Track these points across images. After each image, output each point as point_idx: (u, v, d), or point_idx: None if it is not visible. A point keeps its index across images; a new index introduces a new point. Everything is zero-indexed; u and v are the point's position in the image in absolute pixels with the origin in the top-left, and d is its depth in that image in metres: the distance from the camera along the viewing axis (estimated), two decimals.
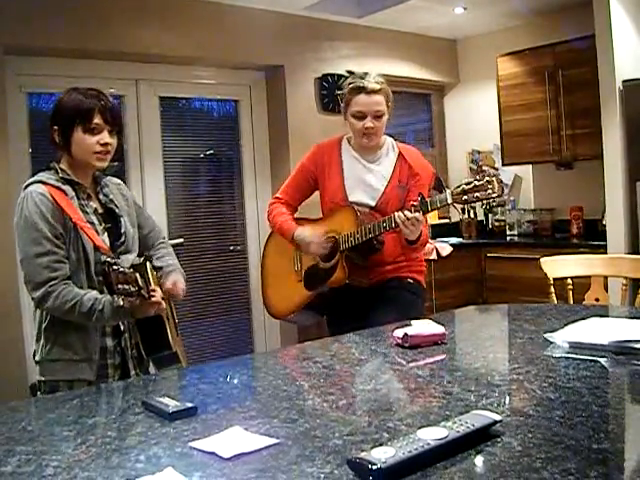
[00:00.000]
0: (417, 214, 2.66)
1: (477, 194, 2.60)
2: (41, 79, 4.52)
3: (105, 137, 2.26)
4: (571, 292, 3.21)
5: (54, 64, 4.54)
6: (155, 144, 5.09)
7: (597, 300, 3.23)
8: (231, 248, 5.58)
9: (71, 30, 4.37)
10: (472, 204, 2.68)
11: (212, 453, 1.28)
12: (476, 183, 2.59)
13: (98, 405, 1.74)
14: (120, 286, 2.00)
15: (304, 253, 3.08)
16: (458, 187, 2.64)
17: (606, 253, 4.56)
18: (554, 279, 3.20)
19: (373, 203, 2.97)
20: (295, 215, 3.20)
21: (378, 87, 2.92)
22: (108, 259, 2.05)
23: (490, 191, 2.57)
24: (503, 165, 6.09)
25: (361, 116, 2.92)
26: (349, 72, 3.02)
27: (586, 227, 5.63)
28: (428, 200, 2.68)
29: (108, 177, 2.48)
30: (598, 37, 4.69)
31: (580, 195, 5.67)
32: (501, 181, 2.60)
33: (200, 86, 5.38)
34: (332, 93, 5.78)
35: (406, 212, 2.68)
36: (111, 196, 2.41)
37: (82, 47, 4.47)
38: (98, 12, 4.49)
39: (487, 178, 2.58)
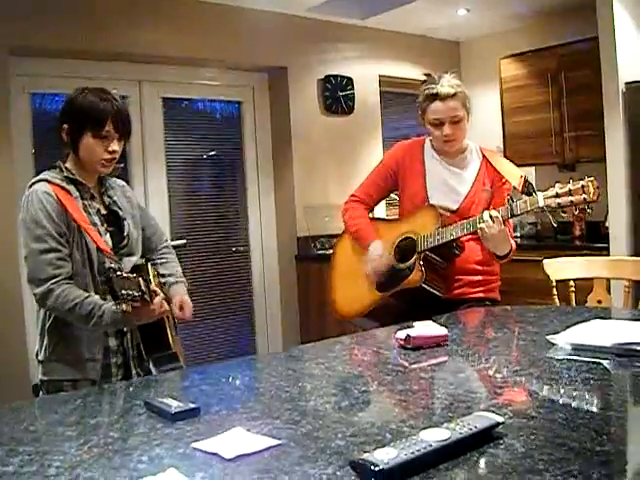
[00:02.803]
0: (500, 214, 2.55)
1: (572, 198, 2.43)
2: (44, 80, 4.53)
3: (114, 145, 2.27)
4: (573, 294, 3.21)
5: (57, 65, 4.55)
6: (158, 145, 5.10)
7: (599, 302, 3.22)
8: (234, 249, 5.59)
9: (74, 31, 4.38)
10: (565, 210, 2.48)
11: (214, 454, 1.28)
12: (571, 187, 2.44)
13: (101, 405, 1.74)
14: (124, 291, 2.00)
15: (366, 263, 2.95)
16: (551, 190, 2.49)
17: (608, 255, 4.56)
18: (556, 281, 3.20)
19: (455, 207, 2.86)
20: (371, 215, 3.11)
21: (453, 91, 2.79)
22: (112, 265, 2.06)
23: (586, 196, 2.41)
24: None
25: (438, 123, 2.83)
26: (426, 75, 2.91)
27: (589, 229, 5.62)
28: (518, 202, 2.56)
29: (113, 179, 2.48)
30: (601, 39, 4.69)
31: None
32: (598, 186, 2.42)
33: (203, 87, 5.39)
34: (335, 94, 5.80)
35: (492, 212, 2.57)
36: (115, 198, 2.42)
37: (85, 48, 4.48)
38: (101, 13, 4.51)
39: (582, 182, 2.42)
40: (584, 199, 2.42)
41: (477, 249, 2.84)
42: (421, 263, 2.77)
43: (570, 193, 2.44)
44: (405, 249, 2.87)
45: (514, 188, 2.79)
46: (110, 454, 1.31)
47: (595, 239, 5.32)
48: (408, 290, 2.81)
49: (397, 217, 3.07)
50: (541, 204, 2.49)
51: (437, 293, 2.80)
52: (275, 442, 1.32)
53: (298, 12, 5.46)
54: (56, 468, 1.25)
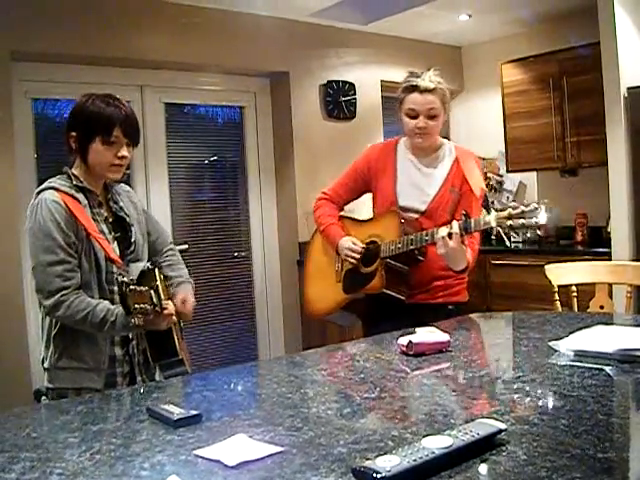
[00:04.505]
0: (456, 228, 2.56)
1: (523, 221, 2.48)
2: (46, 85, 4.54)
3: (123, 150, 2.25)
4: (575, 299, 3.21)
5: (60, 70, 4.56)
6: (160, 150, 5.11)
7: (602, 308, 3.22)
8: (235, 254, 5.59)
9: (77, 36, 4.39)
10: (516, 231, 2.55)
11: (217, 461, 1.28)
12: (523, 209, 2.48)
13: (103, 412, 1.74)
14: (137, 306, 2.00)
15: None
16: (504, 211, 2.53)
17: (611, 260, 4.55)
18: (559, 286, 3.20)
19: (423, 208, 2.88)
20: (341, 214, 3.16)
21: (432, 86, 2.81)
22: (125, 279, 2.06)
23: (536, 219, 2.46)
24: (507, 172, 6.10)
25: (414, 115, 2.85)
26: (410, 72, 2.95)
27: (591, 234, 5.62)
28: (472, 220, 2.59)
29: (119, 184, 2.47)
30: (603, 44, 4.69)
31: (585, 202, 5.66)
32: (550, 210, 2.48)
33: (205, 92, 5.40)
34: (337, 100, 5.80)
35: (449, 228, 2.59)
36: (121, 204, 2.41)
37: (87, 53, 4.49)
38: (103, 19, 4.52)
39: (534, 205, 2.48)
40: (535, 222, 2.47)
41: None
42: (383, 271, 2.83)
43: (522, 216, 2.49)
44: (371, 253, 2.92)
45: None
46: (112, 461, 1.31)
47: (597, 244, 5.31)
48: (371, 294, 2.89)
49: (367, 218, 3.10)
50: (493, 225, 2.52)
51: (400, 297, 2.84)
52: (277, 449, 1.32)
53: (300, 17, 5.46)
54: (58, 475, 1.25)
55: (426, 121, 2.84)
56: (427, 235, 2.70)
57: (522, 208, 2.49)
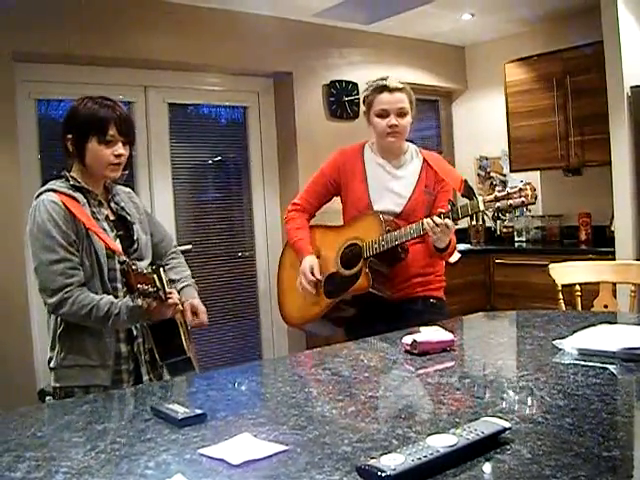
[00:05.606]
0: (447, 220, 2.61)
1: (510, 201, 2.54)
2: (50, 86, 4.54)
3: (119, 148, 2.27)
4: (579, 298, 3.20)
5: (63, 71, 4.56)
6: (163, 150, 5.10)
7: (606, 307, 3.22)
8: (239, 254, 5.59)
9: (80, 37, 4.39)
10: (504, 212, 2.61)
11: (221, 460, 1.28)
12: (509, 190, 2.54)
13: (108, 411, 1.74)
14: (140, 286, 2.01)
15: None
16: (490, 194, 2.59)
17: (614, 259, 4.55)
18: (562, 285, 3.20)
19: (399, 210, 2.90)
20: (312, 222, 3.17)
21: (401, 86, 2.89)
22: (127, 260, 2.06)
23: (524, 198, 2.52)
24: (511, 171, 6.08)
25: (385, 114, 2.89)
26: (374, 80, 3.00)
27: (594, 233, 5.62)
28: (459, 206, 2.63)
29: (118, 186, 2.49)
30: (606, 43, 4.69)
31: (588, 201, 5.66)
32: (534, 188, 2.54)
33: (208, 92, 5.39)
34: (340, 100, 5.80)
35: (435, 218, 2.62)
36: (122, 204, 2.42)
37: (91, 54, 4.49)
38: (107, 19, 4.51)
39: (520, 185, 2.54)
40: (522, 202, 2.54)
41: (421, 253, 2.89)
42: (367, 270, 2.84)
43: (509, 197, 2.55)
44: (350, 255, 2.93)
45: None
46: (117, 460, 1.31)
47: (601, 243, 5.31)
48: (356, 295, 2.89)
49: (342, 224, 3.10)
50: (482, 208, 2.60)
51: (384, 296, 2.87)
52: (282, 448, 1.32)
53: (303, 17, 5.46)
54: (63, 474, 1.25)
55: (397, 119, 2.88)
56: (412, 229, 2.73)
57: (508, 190, 2.56)
